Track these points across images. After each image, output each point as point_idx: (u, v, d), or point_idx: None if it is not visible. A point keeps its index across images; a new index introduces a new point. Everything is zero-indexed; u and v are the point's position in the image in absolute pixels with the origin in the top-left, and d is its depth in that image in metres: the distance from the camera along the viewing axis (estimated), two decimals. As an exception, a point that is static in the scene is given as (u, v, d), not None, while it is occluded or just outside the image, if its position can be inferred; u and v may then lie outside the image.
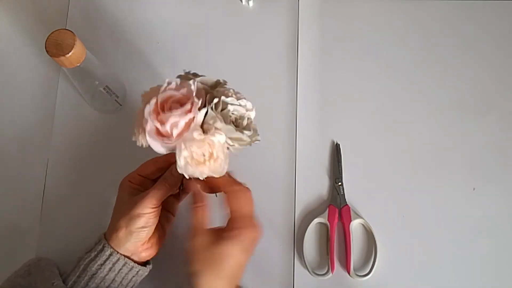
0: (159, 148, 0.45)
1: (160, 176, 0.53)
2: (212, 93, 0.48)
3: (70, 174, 0.63)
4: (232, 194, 0.49)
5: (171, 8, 0.69)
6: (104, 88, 0.60)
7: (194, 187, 0.50)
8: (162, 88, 0.45)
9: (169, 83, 0.46)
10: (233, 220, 0.48)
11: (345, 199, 0.61)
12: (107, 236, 0.51)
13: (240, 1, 0.69)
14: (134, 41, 0.68)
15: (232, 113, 0.47)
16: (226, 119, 0.46)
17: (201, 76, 0.49)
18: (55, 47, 0.50)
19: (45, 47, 0.50)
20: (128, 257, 0.51)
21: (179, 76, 0.50)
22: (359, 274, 0.58)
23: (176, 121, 0.44)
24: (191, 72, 0.50)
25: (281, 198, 0.62)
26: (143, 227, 0.49)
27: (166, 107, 0.45)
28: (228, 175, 0.50)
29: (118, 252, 0.50)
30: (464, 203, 0.61)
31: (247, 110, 0.48)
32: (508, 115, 0.64)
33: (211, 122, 0.45)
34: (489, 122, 0.64)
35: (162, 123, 0.44)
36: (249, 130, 0.47)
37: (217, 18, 0.69)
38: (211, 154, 0.45)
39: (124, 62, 0.67)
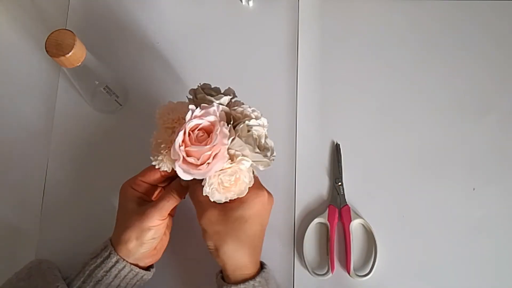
0: (186, 177, 0.46)
1: (163, 180, 0.53)
2: (231, 114, 0.48)
3: (70, 174, 0.63)
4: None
5: (171, 8, 0.69)
6: (104, 88, 0.60)
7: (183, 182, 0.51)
8: (188, 117, 0.46)
9: (193, 111, 0.46)
10: None
11: (345, 199, 0.61)
12: (114, 243, 0.51)
13: (240, 1, 0.69)
14: (134, 41, 0.68)
15: (254, 135, 0.48)
16: (253, 142, 0.47)
17: (218, 93, 0.49)
18: (55, 47, 0.50)
19: (45, 47, 0.50)
20: (134, 264, 0.51)
21: (191, 92, 0.50)
22: (359, 274, 0.58)
23: (206, 154, 0.44)
24: (201, 83, 0.50)
25: (281, 198, 0.61)
26: (153, 238, 0.50)
27: (193, 137, 0.45)
28: None
29: (124, 260, 0.50)
30: (464, 203, 0.61)
31: (263, 127, 0.49)
32: (508, 115, 0.64)
33: (239, 149, 0.46)
34: (489, 122, 0.64)
35: (192, 155, 0.45)
36: (268, 150, 0.49)
37: (217, 18, 0.69)
38: (237, 179, 0.46)
39: (124, 62, 0.67)
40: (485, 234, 0.60)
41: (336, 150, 0.63)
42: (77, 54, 0.51)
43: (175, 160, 0.45)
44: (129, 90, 0.66)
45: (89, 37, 0.66)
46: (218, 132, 0.45)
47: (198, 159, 0.45)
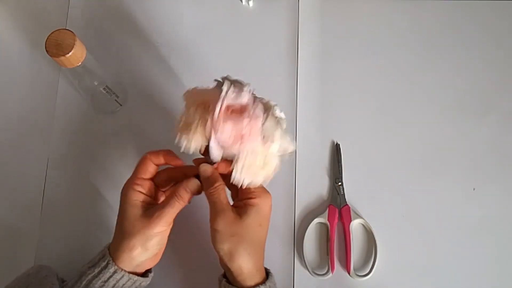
0: (217, 153, 0.46)
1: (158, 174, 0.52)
2: (260, 101, 0.48)
3: (70, 174, 0.63)
4: None
5: (171, 8, 0.69)
6: (104, 88, 0.60)
7: (205, 172, 0.49)
8: (223, 94, 0.45)
9: (228, 88, 0.46)
10: (248, 190, 0.49)
11: (345, 199, 0.61)
12: (114, 251, 0.49)
13: (240, 1, 0.69)
14: (134, 41, 0.68)
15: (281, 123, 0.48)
16: (279, 129, 0.47)
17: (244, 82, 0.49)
18: (55, 47, 0.50)
19: (45, 47, 0.50)
20: (132, 272, 0.50)
21: (217, 80, 0.50)
22: (359, 274, 0.58)
23: (244, 132, 0.45)
24: (230, 77, 0.50)
25: (281, 198, 0.61)
26: (158, 244, 0.49)
27: (228, 113, 0.45)
28: None
29: (122, 270, 0.48)
30: (464, 203, 0.61)
31: (284, 122, 0.49)
32: (508, 115, 0.64)
33: (270, 130, 0.46)
34: (489, 122, 0.64)
35: (227, 131, 0.45)
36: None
37: (217, 18, 0.69)
38: (266, 163, 0.46)
39: (124, 62, 0.67)
40: (485, 234, 0.60)
41: (336, 150, 0.63)
42: (77, 54, 0.51)
43: (208, 136, 0.45)
44: (129, 90, 0.66)
45: (89, 37, 0.66)
46: (253, 108, 0.45)
47: (232, 136, 0.45)
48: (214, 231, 0.47)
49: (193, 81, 0.66)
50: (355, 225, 0.60)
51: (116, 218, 0.51)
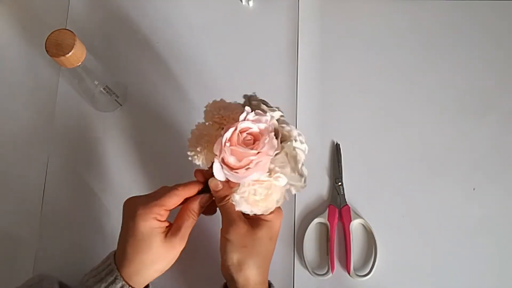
0: (221, 176, 0.45)
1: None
2: (279, 130, 0.47)
3: (70, 174, 0.63)
4: None
5: (171, 8, 0.69)
6: (104, 88, 0.60)
7: (216, 186, 0.48)
8: (242, 117, 0.45)
9: (248, 113, 0.45)
10: None
11: (345, 199, 0.61)
12: (121, 268, 0.47)
13: (240, 1, 0.69)
14: (134, 41, 0.68)
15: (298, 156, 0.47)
16: (293, 163, 0.46)
17: (271, 107, 0.48)
18: (55, 47, 0.50)
19: (45, 47, 0.50)
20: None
21: (245, 97, 0.49)
22: (359, 274, 0.58)
23: (250, 159, 0.44)
24: (258, 97, 0.49)
25: (281, 198, 0.62)
26: (172, 261, 0.49)
27: (240, 138, 0.44)
28: None
29: (130, 286, 0.47)
30: (464, 203, 0.61)
31: (304, 154, 0.47)
32: (508, 115, 0.64)
33: (280, 165, 0.45)
34: (489, 122, 0.64)
35: (235, 156, 0.44)
36: (302, 176, 0.47)
37: (217, 18, 0.69)
38: (268, 195, 0.45)
39: (124, 62, 0.67)
40: (485, 234, 0.60)
41: (336, 150, 0.63)
42: (77, 54, 0.51)
43: (215, 155, 0.44)
44: (129, 89, 0.66)
45: (89, 37, 0.66)
46: (266, 141, 0.44)
47: (239, 162, 0.44)
48: (225, 240, 0.47)
49: (192, 81, 0.66)
50: (355, 225, 0.60)
51: (114, 221, 0.50)
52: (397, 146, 0.63)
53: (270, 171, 0.45)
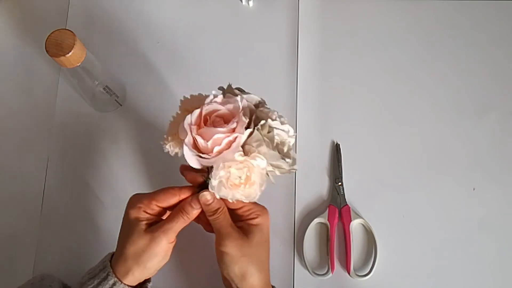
0: (194, 162, 0.43)
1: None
2: (256, 112, 0.45)
3: (70, 174, 0.63)
4: None
5: (171, 8, 0.69)
6: (104, 88, 0.60)
7: (206, 201, 0.47)
8: (207, 100, 0.43)
9: (215, 96, 0.44)
10: (248, 212, 0.48)
11: (345, 199, 0.61)
12: (114, 265, 0.47)
13: (240, 1, 0.69)
14: (134, 41, 0.68)
15: (275, 138, 0.44)
16: (271, 144, 0.44)
17: (247, 92, 0.47)
18: (55, 47, 0.50)
19: (45, 47, 0.50)
20: (132, 286, 0.48)
21: (221, 88, 0.47)
22: (359, 274, 0.58)
23: (219, 138, 0.42)
24: (235, 86, 0.47)
25: (281, 198, 0.61)
26: (159, 262, 0.48)
27: (209, 121, 0.43)
28: None
29: (122, 282, 0.47)
30: (464, 203, 0.61)
31: (288, 136, 0.45)
32: (508, 115, 0.64)
33: (255, 144, 0.43)
34: (489, 121, 0.64)
35: (203, 137, 0.42)
36: (289, 158, 0.45)
37: (217, 18, 0.69)
38: (248, 178, 0.43)
39: (124, 62, 0.67)
40: (485, 234, 0.60)
41: (336, 150, 0.63)
42: (77, 54, 0.51)
43: (184, 140, 0.42)
44: (129, 89, 0.66)
45: (89, 37, 0.66)
46: (236, 119, 0.42)
47: (207, 143, 0.42)
48: (223, 254, 0.47)
49: (192, 81, 0.66)
50: (355, 225, 0.60)
51: (114, 221, 0.50)
52: (397, 146, 0.63)
53: (246, 152, 0.43)
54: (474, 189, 0.62)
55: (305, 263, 0.59)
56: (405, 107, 0.65)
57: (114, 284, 0.47)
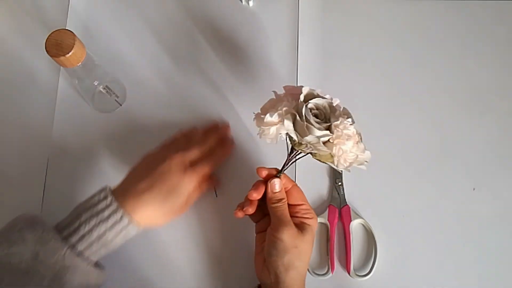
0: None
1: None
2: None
3: (70, 174, 0.63)
4: (296, 188, 0.54)
5: (171, 8, 0.69)
6: (104, 88, 0.60)
7: (274, 187, 0.52)
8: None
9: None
10: (305, 210, 0.53)
11: (345, 199, 0.61)
12: (129, 208, 0.51)
13: (240, 1, 0.69)
14: (134, 41, 0.68)
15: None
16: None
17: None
18: (55, 47, 0.50)
19: (45, 47, 0.50)
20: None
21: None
22: (359, 274, 0.58)
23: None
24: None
25: (281, 198, 0.61)
26: (177, 200, 0.54)
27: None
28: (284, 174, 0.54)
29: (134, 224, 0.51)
30: (463, 203, 0.61)
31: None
32: (508, 115, 0.64)
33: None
34: (489, 121, 0.64)
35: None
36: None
37: (217, 18, 0.69)
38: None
39: (124, 62, 0.67)
40: (485, 234, 0.60)
41: (336, 150, 0.63)
42: (77, 54, 0.51)
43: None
44: (129, 89, 0.66)
45: (89, 37, 0.66)
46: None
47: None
48: (277, 240, 0.50)
49: (192, 81, 0.66)
50: (355, 225, 0.60)
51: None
52: (396, 146, 0.63)
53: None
54: (474, 189, 0.62)
55: (305, 263, 0.59)
56: (404, 108, 0.65)
57: (129, 223, 0.50)
